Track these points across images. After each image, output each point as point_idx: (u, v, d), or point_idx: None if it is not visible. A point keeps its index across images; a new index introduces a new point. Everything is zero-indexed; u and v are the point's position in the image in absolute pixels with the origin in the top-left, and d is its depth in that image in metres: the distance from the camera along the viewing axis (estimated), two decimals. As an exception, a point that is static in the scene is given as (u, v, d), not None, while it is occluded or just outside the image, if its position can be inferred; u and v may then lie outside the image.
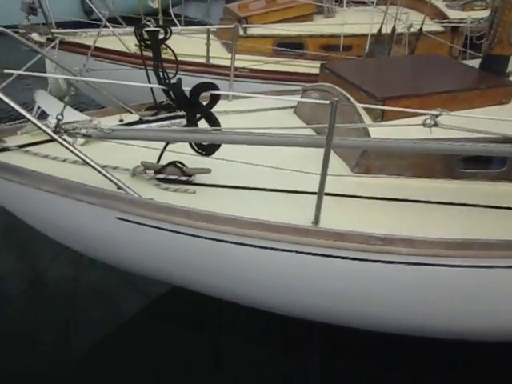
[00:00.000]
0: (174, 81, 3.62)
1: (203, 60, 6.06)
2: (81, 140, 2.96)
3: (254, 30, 6.50)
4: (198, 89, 2.45)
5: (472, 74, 3.79)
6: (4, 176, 2.72)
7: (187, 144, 2.71)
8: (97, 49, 5.52)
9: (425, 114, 2.43)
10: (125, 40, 5.99)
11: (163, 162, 2.93)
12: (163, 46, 3.72)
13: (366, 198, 2.96)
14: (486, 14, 6.61)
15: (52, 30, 5.99)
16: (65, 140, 2.53)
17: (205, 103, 2.59)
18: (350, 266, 2.62)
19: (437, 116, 2.39)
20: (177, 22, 6.97)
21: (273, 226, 2.54)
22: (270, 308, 3.21)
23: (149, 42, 3.70)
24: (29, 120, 2.55)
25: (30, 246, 4.60)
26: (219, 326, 3.94)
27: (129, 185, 2.66)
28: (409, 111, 2.60)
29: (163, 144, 2.90)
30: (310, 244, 2.54)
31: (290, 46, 6.35)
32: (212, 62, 6.05)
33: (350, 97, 3.42)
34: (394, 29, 5.90)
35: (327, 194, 2.58)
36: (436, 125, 2.40)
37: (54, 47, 5.57)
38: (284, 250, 2.61)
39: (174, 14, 7.26)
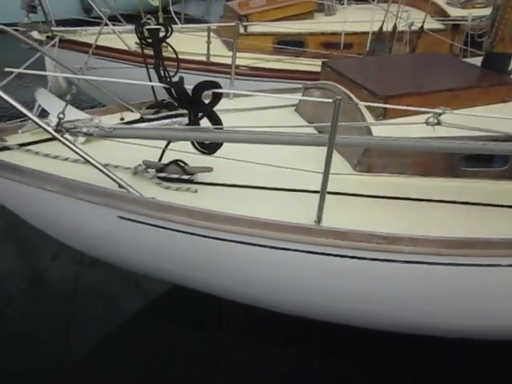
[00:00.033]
0: (174, 79, 3.64)
1: (203, 58, 6.04)
2: (81, 139, 2.96)
3: (255, 27, 6.48)
4: (201, 87, 2.44)
5: (474, 72, 3.78)
6: (5, 175, 2.71)
7: (189, 143, 2.70)
8: (97, 47, 5.51)
9: (427, 112, 2.42)
10: (125, 38, 5.97)
11: (164, 160, 2.92)
12: (164, 44, 3.71)
13: (367, 196, 2.95)
14: (486, 11, 6.62)
15: (52, 28, 5.96)
16: (66, 139, 2.52)
17: (206, 101, 2.59)
18: (352, 265, 2.61)
19: (440, 114, 2.38)
20: (177, 20, 6.96)
21: (275, 224, 2.53)
22: (272, 307, 3.20)
23: (149, 40, 3.69)
24: (30, 119, 2.54)
25: (31, 244, 4.59)
26: (219, 325, 3.92)
27: (130, 184, 2.65)
28: (412, 109, 2.59)
29: (164, 143, 2.89)
30: (313, 243, 2.53)
31: (291, 44, 6.32)
32: (212, 60, 6.03)
33: (351, 95, 3.41)
34: (395, 27, 5.88)
35: (329, 193, 2.57)
36: (439, 123, 2.39)
37: (53, 45, 5.55)
38: (286, 249, 2.60)
39: (174, 12, 7.25)
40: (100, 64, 5.53)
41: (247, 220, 2.54)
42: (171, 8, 7.15)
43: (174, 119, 3.66)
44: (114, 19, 6.37)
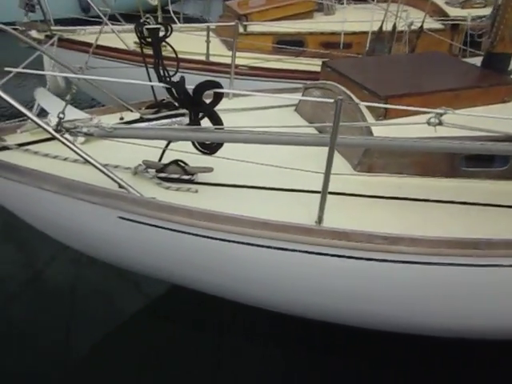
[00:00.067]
0: (174, 78, 3.63)
1: (202, 57, 6.03)
2: (81, 139, 2.94)
3: (254, 27, 6.47)
4: (202, 87, 2.43)
5: (474, 72, 3.78)
6: (4, 175, 2.70)
7: (188, 142, 2.69)
8: (96, 46, 5.48)
9: (428, 113, 2.42)
10: (124, 37, 5.95)
11: (164, 160, 2.92)
12: (163, 43, 3.70)
13: (368, 196, 2.95)
14: (485, 11, 6.62)
15: (51, 28, 5.94)
16: (66, 139, 2.51)
17: (206, 101, 2.57)
18: (353, 265, 2.61)
19: (441, 115, 2.37)
20: (176, 20, 6.95)
21: (276, 225, 2.53)
22: (273, 307, 3.20)
23: (149, 40, 3.68)
24: (30, 118, 2.52)
25: (30, 245, 4.59)
26: (219, 325, 3.92)
27: (130, 184, 2.63)
28: (414, 110, 2.58)
29: (164, 142, 2.88)
30: (314, 243, 2.53)
31: (290, 44, 6.32)
32: (211, 59, 6.02)
33: (352, 95, 3.41)
34: (394, 26, 5.88)
35: (329, 193, 2.56)
36: (441, 123, 2.38)
37: (52, 44, 5.53)
38: (287, 250, 2.59)
39: (173, 12, 7.23)
40: (99, 63, 5.52)
41: (248, 220, 2.54)
42: (170, 7, 7.12)
43: (174, 119, 3.65)
44: (112, 18, 6.35)
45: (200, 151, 2.69)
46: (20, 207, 3.03)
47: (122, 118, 3.67)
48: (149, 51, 3.74)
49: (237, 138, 2.55)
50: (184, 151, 2.82)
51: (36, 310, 3.93)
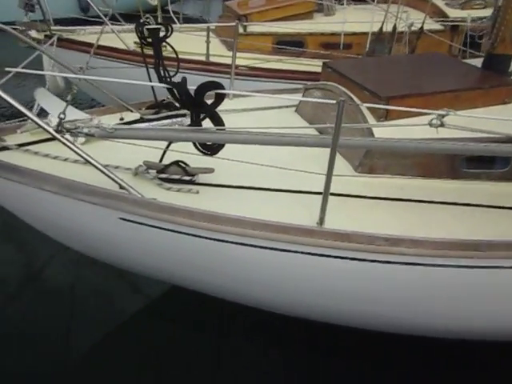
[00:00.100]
0: (174, 79, 3.62)
1: (202, 58, 6.02)
2: (81, 139, 2.93)
3: (254, 27, 6.47)
4: (204, 88, 2.43)
5: (475, 73, 3.78)
6: (4, 175, 2.69)
7: (189, 143, 2.69)
8: (97, 46, 5.48)
9: (430, 114, 2.42)
10: (123, 37, 5.94)
11: (165, 161, 2.91)
12: (163, 43, 3.69)
13: (369, 198, 2.94)
14: (485, 12, 6.64)
15: (51, 28, 5.93)
16: (67, 139, 2.50)
17: (208, 101, 2.57)
18: (355, 267, 2.61)
19: (443, 116, 2.37)
20: (175, 20, 6.94)
21: (277, 226, 2.52)
22: (274, 308, 3.20)
23: (149, 40, 3.67)
24: (30, 119, 2.51)
25: (30, 245, 4.58)
26: (220, 325, 3.92)
27: (131, 184, 2.63)
28: (415, 111, 2.58)
29: (165, 143, 2.87)
30: (315, 245, 2.52)
31: (290, 44, 6.31)
32: (211, 59, 6.01)
33: (353, 96, 3.40)
34: (394, 27, 5.88)
35: (331, 194, 2.55)
36: (442, 125, 2.38)
37: (51, 44, 5.52)
38: (288, 251, 2.59)
39: (172, 12, 7.22)
40: (99, 63, 5.51)
41: (249, 221, 2.53)
42: (170, 7, 7.11)
43: (174, 119, 3.64)
44: (111, 18, 6.34)
45: (201, 152, 2.68)
46: (20, 208, 3.02)
47: (122, 119, 3.66)
48: (149, 51, 3.74)
49: (238, 138, 2.55)
50: (184, 152, 2.81)
51: (36, 310, 3.92)
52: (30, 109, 2.94)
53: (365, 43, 6.16)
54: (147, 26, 3.58)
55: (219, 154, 2.71)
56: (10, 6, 6.53)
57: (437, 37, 6.20)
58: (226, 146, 2.68)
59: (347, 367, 3.57)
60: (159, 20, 6.66)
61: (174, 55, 3.83)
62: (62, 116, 2.41)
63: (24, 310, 3.93)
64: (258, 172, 2.98)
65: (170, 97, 3.66)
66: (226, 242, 2.60)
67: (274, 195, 2.89)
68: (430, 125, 2.39)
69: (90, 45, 5.72)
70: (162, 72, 3.64)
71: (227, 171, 2.94)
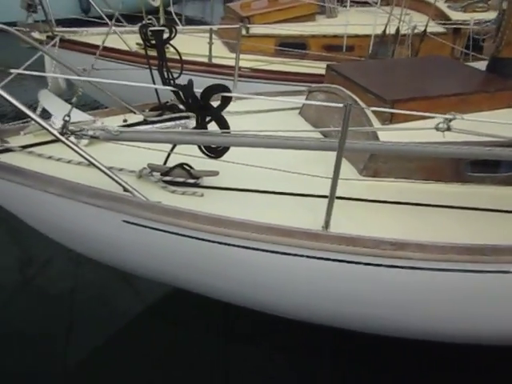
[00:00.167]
0: (178, 80, 3.61)
1: (204, 59, 6.02)
2: (84, 141, 2.92)
3: (257, 29, 6.47)
4: (210, 91, 2.41)
5: (479, 76, 3.77)
6: (7, 177, 2.67)
7: (193, 146, 2.67)
8: (97, 47, 5.43)
9: (434, 117, 2.41)
10: (125, 39, 5.93)
11: (169, 164, 2.89)
12: (166, 45, 3.67)
13: (374, 201, 2.93)
14: (487, 15, 6.64)
15: (55, 29, 5.91)
16: (71, 141, 2.49)
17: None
18: (360, 271, 2.59)
19: (450, 120, 2.36)
20: (177, 21, 6.93)
21: (282, 230, 2.51)
22: (278, 312, 3.18)
23: (153, 42, 3.65)
24: (35, 121, 2.50)
25: (31, 246, 4.56)
26: (223, 329, 3.91)
27: (135, 187, 2.61)
28: (423, 115, 2.57)
29: (168, 145, 2.85)
30: (321, 249, 2.50)
31: (293, 46, 6.31)
32: (214, 61, 6.00)
33: (357, 99, 3.39)
34: (397, 30, 5.87)
35: (335, 198, 2.54)
36: (449, 129, 2.37)
37: (54, 45, 5.49)
38: (293, 255, 2.57)
39: (174, 13, 7.21)
40: (102, 65, 5.48)
41: (254, 225, 2.51)
42: (172, 9, 7.10)
43: (178, 121, 3.63)
44: (112, 19, 6.32)
45: (206, 155, 2.67)
46: (23, 210, 3.00)
47: (125, 120, 3.65)
48: (151, 53, 3.72)
49: (244, 142, 2.53)
50: (188, 154, 2.80)
51: (38, 311, 3.90)
52: (33, 110, 2.93)
53: (367, 46, 6.16)
54: (151, 28, 3.56)
55: (223, 157, 2.70)
56: (12, 6, 6.52)
57: (439, 39, 6.19)
58: (231, 148, 2.67)
59: (350, 370, 3.55)
60: (161, 21, 6.65)
61: (177, 57, 3.82)
62: (66, 118, 2.39)
63: (26, 311, 3.91)
64: (263, 175, 2.96)
65: (173, 99, 3.70)
66: (231, 245, 2.58)
67: (279, 198, 2.87)
68: (437, 129, 2.38)
69: (93, 46, 5.70)
70: (165, 74, 3.63)
71: (231, 174, 2.92)
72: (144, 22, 3.77)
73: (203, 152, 2.66)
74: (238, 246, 2.58)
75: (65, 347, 3.68)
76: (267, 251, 2.57)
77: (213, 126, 2.61)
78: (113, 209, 2.56)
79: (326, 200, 2.52)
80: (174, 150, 2.85)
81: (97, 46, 5.48)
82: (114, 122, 3.41)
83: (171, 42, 3.68)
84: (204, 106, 2.47)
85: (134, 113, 3.76)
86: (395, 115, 3.11)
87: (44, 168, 2.74)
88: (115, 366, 3.50)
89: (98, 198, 2.55)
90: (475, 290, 2.73)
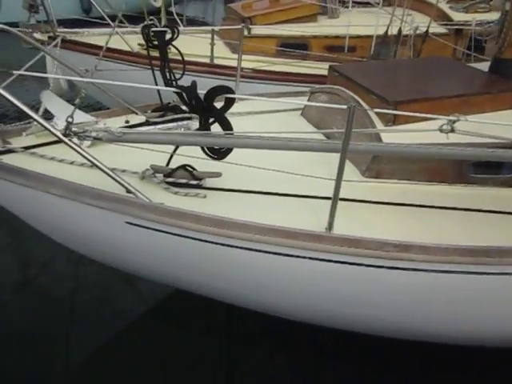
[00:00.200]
0: (180, 81, 3.60)
1: (206, 60, 6.01)
2: (87, 142, 2.91)
3: (258, 30, 6.46)
4: (213, 92, 2.41)
5: (482, 77, 3.76)
6: (10, 178, 2.67)
7: (195, 147, 2.66)
8: (99, 47, 5.44)
9: (437, 119, 2.40)
10: (127, 39, 5.93)
11: (171, 165, 2.89)
12: (168, 45, 3.67)
13: (376, 203, 2.92)
14: (489, 16, 6.63)
15: (57, 29, 5.91)
16: (74, 143, 2.48)
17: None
18: (364, 273, 2.58)
19: (454, 122, 2.35)
20: (179, 22, 6.93)
21: (285, 231, 2.50)
22: (281, 313, 3.17)
23: (155, 42, 3.65)
24: (38, 123, 2.49)
25: (33, 247, 4.55)
26: (225, 330, 3.91)
27: (138, 188, 2.61)
28: (427, 117, 2.56)
29: (171, 147, 2.85)
30: (324, 250, 2.50)
31: (294, 47, 6.31)
32: (215, 62, 6.00)
33: (360, 100, 3.39)
34: (400, 31, 5.87)
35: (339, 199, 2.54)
36: (453, 130, 2.36)
37: (55, 46, 5.49)
38: (296, 256, 2.56)
39: (176, 13, 7.21)
40: (104, 66, 5.48)
41: (257, 226, 2.51)
42: (173, 9, 7.09)
43: (180, 122, 3.62)
44: (114, 20, 6.31)
45: (209, 156, 2.66)
46: (25, 211, 3.00)
47: (127, 121, 3.64)
48: (153, 53, 3.72)
49: (247, 143, 2.53)
50: (191, 156, 2.79)
51: (39, 311, 3.90)
52: (36, 111, 2.93)
53: (369, 46, 6.15)
54: (154, 29, 3.55)
55: (226, 159, 2.69)
56: (13, 6, 6.51)
57: (442, 40, 6.18)
58: (233, 150, 2.66)
59: (353, 372, 3.56)
60: (163, 22, 6.65)
61: (178, 57, 3.81)
62: (69, 120, 2.39)
63: (27, 312, 3.91)
64: (265, 176, 2.96)
65: (175, 100, 3.69)
66: (233, 246, 2.58)
67: (282, 200, 2.87)
68: (441, 130, 2.37)
69: (94, 46, 5.70)
70: (167, 74, 3.63)
71: (234, 175, 2.92)
72: (146, 23, 3.75)
73: (206, 153, 2.65)
74: (241, 248, 2.57)
75: (67, 348, 3.69)
76: (270, 253, 2.56)
77: (215, 127, 2.61)
78: (116, 210, 2.55)
79: (329, 201, 2.52)
80: (177, 152, 2.84)
81: (98, 47, 5.50)
82: (115, 123, 3.40)
83: (173, 42, 3.68)
84: (207, 108, 2.46)
85: (136, 114, 3.75)
86: (398, 116, 3.11)
87: (46, 169, 2.74)
88: (117, 367, 3.49)
89: (100, 200, 2.54)
90: (479, 291, 2.72)
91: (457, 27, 6.66)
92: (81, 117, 3.28)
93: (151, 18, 4.13)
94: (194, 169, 2.86)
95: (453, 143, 2.50)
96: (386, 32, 6.03)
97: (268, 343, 3.75)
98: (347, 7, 7.21)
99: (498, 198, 3.10)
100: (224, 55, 6.05)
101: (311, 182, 3.00)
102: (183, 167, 2.84)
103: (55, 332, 3.74)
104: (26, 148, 3.06)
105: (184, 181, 2.82)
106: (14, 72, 2.55)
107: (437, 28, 6.58)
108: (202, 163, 2.81)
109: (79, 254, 3.37)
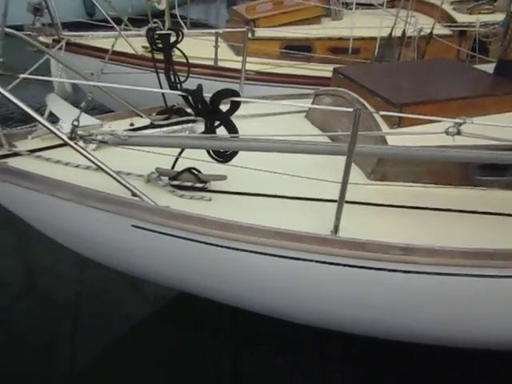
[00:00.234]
0: (185, 84, 3.61)
1: (210, 62, 6.01)
2: (92, 145, 2.92)
3: (262, 32, 6.46)
4: (219, 96, 2.41)
5: (487, 79, 3.75)
6: (16, 182, 2.68)
7: (200, 150, 2.67)
8: (105, 51, 5.44)
9: (443, 121, 2.39)
10: (131, 42, 5.93)
11: (176, 168, 2.89)
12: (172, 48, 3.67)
13: (382, 205, 2.92)
14: (493, 17, 6.61)
15: (62, 33, 5.92)
16: (80, 146, 2.49)
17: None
18: (369, 276, 2.58)
19: (460, 124, 2.35)
20: (183, 24, 6.94)
21: (291, 234, 2.50)
22: (286, 316, 3.17)
23: (160, 45, 3.65)
24: (44, 126, 2.51)
25: (38, 250, 4.55)
26: (230, 333, 3.90)
27: (143, 191, 2.61)
28: (432, 119, 2.56)
29: (176, 150, 2.85)
30: (330, 253, 2.49)
31: (298, 49, 6.31)
32: (219, 64, 6.00)
33: (365, 102, 3.38)
34: (404, 32, 5.86)
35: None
36: (459, 133, 2.35)
37: (60, 49, 5.51)
38: (301, 259, 2.56)
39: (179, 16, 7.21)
40: (108, 68, 5.48)
41: (262, 229, 2.51)
42: (177, 12, 7.10)
43: (185, 125, 3.63)
44: (117, 22, 6.32)
45: (215, 159, 2.66)
46: (31, 214, 3.01)
47: (132, 124, 3.64)
48: (158, 56, 3.72)
49: (253, 146, 2.53)
50: (195, 159, 2.79)
51: (43, 313, 3.91)
52: (41, 114, 2.94)
53: (373, 48, 6.13)
54: (158, 32, 3.56)
55: (231, 161, 2.69)
56: (18, 9, 6.52)
57: (446, 42, 6.16)
58: (238, 152, 2.66)
59: (358, 375, 3.55)
60: (167, 24, 6.65)
61: (182, 60, 3.81)
62: (75, 123, 2.39)
63: (31, 314, 3.92)
64: (270, 179, 2.96)
65: (180, 102, 3.69)
66: (239, 249, 2.58)
67: (287, 202, 2.86)
68: (447, 133, 2.36)
69: (99, 49, 5.71)
70: (172, 77, 3.63)
71: (239, 178, 2.91)
72: (150, 26, 3.76)
73: (212, 156, 2.66)
74: (246, 251, 2.57)
75: (70, 350, 3.69)
76: (275, 256, 2.56)
77: (220, 130, 2.61)
78: (121, 213, 2.56)
79: (334, 204, 2.51)
80: (182, 154, 2.84)
81: (102, 50, 5.50)
82: (120, 126, 3.41)
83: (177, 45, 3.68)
84: (213, 111, 2.47)
85: (141, 116, 3.75)
86: (403, 119, 3.10)
87: (52, 172, 2.74)
88: (121, 369, 3.49)
89: (106, 203, 2.55)
90: (485, 294, 2.71)
91: (461, 29, 6.64)
92: (86, 120, 3.28)
93: (155, 20, 4.14)
94: (199, 172, 2.86)
95: (458, 145, 2.49)
96: (390, 34, 6.02)
97: (273, 346, 3.74)
98: (351, 9, 7.20)
99: (504, 200, 3.08)
100: (228, 57, 6.05)
101: (316, 184, 3.00)
102: (188, 170, 2.84)
103: (59, 334, 3.74)
104: (32, 151, 3.06)
105: (189, 184, 2.83)
106: (22, 76, 2.56)
107: (441, 29, 6.56)
108: (207, 166, 2.81)
109: (84, 257, 3.37)
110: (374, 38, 6.09)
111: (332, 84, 3.93)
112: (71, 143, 2.45)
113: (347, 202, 2.63)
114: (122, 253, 2.92)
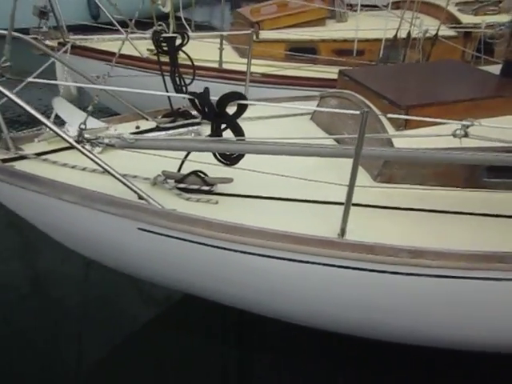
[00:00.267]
0: (190, 87, 3.61)
1: (214, 65, 6.02)
2: (98, 148, 2.92)
3: (266, 34, 6.46)
4: (225, 99, 2.41)
5: (493, 80, 3.73)
6: (22, 185, 2.68)
7: (206, 153, 2.66)
8: (110, 54, 5.46)
9: (449, 123, 2.38)
10: (136, 45, 5.95)
11: (182, 170, 2.89)
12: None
13: (388, 208, 2.91)
14: (498, 18, 6.57)
15: (68, 36, 5.94)
16: (86, 149, 2.49)
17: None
18: (377, 279, 2.57)
19: (468, 126, 2.33)
20: (187, 27, 6.94)
21: (298, 237, 2.49)
22: (294, 319, 3.16)
23: (165, 48, 3.65)
24: (51, 129, 2.52)
25: (44, 252, 4.56)
26: (236, 335, 3.90)
27: (150, 194, 2.61)
28: (439, 121, 2.54)
29: (182, 152, 2.85)
30: (337, 256, 2.49)
31: (303, 51, 6.30)
32: (224, 67, 6.00)
33: (370, 104, 3.37)
34: (409, 34, 5.84)
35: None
36: (467, 135, 2.34)
37: (65, 52, 5.53)
38: (308, 262, 2.55)
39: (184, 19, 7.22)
40: (113, 71, 5.50)
41: (269, 233, 2.50)
42: (181, 14, 7.10)
43: (191, 128, 3.63)
44: (122, 25, 6.34)
45: (221, 162, 2.66)
46: (37, 217, 3.02)
47: (138, 127, 3.65)
48: (163, 58, 3.72)
49: (260, 149, 2.52)
50: (202, 162, 2.79)
51: (47, 316, 3.93)
52: (47, 117, 2.94)
53: (378, 50, 6.12)
54: (164, 35, 3.56)
55: (237, 164, 2.69)
56: (23, 13, 6.54)
57: (451, 43, 6.15)
58: (245, 155, 2.66)
59: (363, 378, 3.53)
60: (172, 27, 6.67)
61: (187, 62, 3.82)
62: (82, 126, 2.40)
63: (36, 315, 3.93)
64: (277, 182, 2.95)
65: (185, 105, 3.70)
66: (246, 253, 2.57)
67: (293, 205, 2.86)
68: (454, 135, 2.35)
69: (104, 52, 5.72)
70: (177, 80, 3.63)
71: (246, 181, 2.91)
72: (155, 29, 3.77)
73: (218, 159, 2.65)
74: (253, 254, 2.57)
75: (76, 352, 3.69)
76: (282, 259, 2.55)
77: (226, 133, 2.61)
78: (128, 216, 2.56)
79: (341, 207, 2.51)
80: (188, 157, 2.84)
81: (108, 53, 5.52)
82: (126, 129, 3.42)
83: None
84: (220, 114, 2.46)
85: (147, 119, 3.76)
86: (409, 121, 3.09)
87: (59, 175, 2.75)
88: (126, 372, 3.49)
89: (113, 206, 2.55)
90: (494, 297, 2.69)
91: (466, 30, 6.62)
92: (92, 123, 3.29)
93: (160, 23, 4.15)
94: (205, 174, 2.86)
95: (465, 148, 2.48)
96: (395, 35, 6.01)
97: (280, 349, 3.73)
98: (355, 11, 7.19)
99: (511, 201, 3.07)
100: (232, 60, 6.06)
101: (322, 187, 2.99)
102: (195, 173, 2.84)
103: (65, 336, 3.74)
104: (38, 154, 3.07)
105: (196, 187, 2.82)
106: (29, 79, 2.57)
107: (446, 31, 6.54)
108: (214, 169, 2.81)
109: (90, 259, 3.38)
110: (378, 40, 6.07)
111: (337, 86, 3.92)
112: (78, 146, 2.45)
113: (354, 204, 2.63)
114: (129, 256, 2.92)
